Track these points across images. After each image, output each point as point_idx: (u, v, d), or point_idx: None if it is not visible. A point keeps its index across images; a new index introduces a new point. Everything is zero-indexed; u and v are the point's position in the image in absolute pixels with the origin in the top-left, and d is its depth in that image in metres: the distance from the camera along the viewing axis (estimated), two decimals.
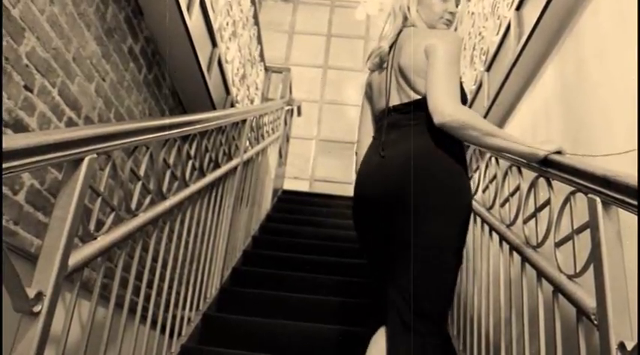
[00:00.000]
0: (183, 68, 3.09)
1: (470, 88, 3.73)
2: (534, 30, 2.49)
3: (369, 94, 1.61)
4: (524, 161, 1.38)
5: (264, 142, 3.59)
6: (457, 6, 1.54)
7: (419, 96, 1.40)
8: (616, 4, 1.96)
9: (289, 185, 5.99)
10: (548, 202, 1.31)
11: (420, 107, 1.38)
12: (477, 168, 2.07)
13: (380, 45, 1.53)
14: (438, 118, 1.28)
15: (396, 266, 1.31)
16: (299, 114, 5.56)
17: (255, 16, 4.72)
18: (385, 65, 1.52)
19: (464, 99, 1.39)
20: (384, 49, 1.52)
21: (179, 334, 1.92)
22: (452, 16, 1.52)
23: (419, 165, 1.31)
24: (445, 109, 1.27)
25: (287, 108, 5.03)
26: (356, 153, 1.61)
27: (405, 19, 1.53)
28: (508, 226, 1.61)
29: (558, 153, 1.26)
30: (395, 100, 1.46)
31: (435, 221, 1.29)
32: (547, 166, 1.28)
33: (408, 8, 1.52)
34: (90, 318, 1.19)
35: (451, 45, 1.37)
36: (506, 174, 1.66)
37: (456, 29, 1.55)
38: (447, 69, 1.33)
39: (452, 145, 1.37)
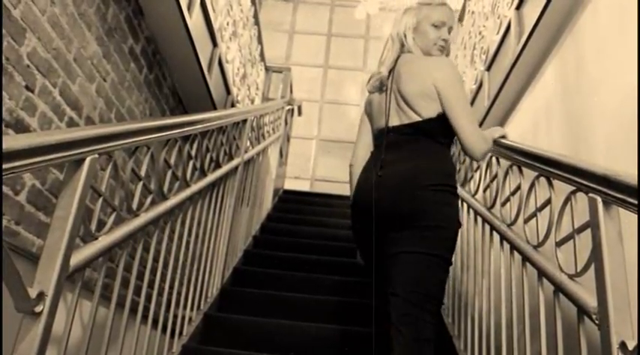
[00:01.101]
0: (184, 68, 3.09)
1: (470, 87, 3.73)
2: (534, 29, 2.49)
3: (368, 111, 1.73)
4: (523, 159, 1.49)
5: (264, 142, 3.58)
6: (449, 33, 1.67)
7: (419, 119, 1.54)
8: (616, 3, 1.96)
9: (290, 185, 6.00)
10: (549, 201, 1.31)
11: (418, 128, 1.53)
12: (478, 167, 2.07)
13: (380, 70, 1.67)
14: (476, 157, 1.52)
15: (395, 271, 1.44)
16: (299, 113, 5.55)
17: (256, 16, 4.72)
18: (385, 88, 1.65)
19: None
20: (383, 75, 1.65)
21: (180, 334, 1.92)
22: (445, 43, 1.66)
23: (416, 183, 1.46)
24: (479, 149, 1.49)
25: (287, 107, 5.03)
26: (351, 165, 1.73)
27: (402, 45, 1.66)
28: (509, 226, 1.61)
29: (503, 137, 1.69)
30: (395, 121, 1.58)
31: (432, 233, 1.42)
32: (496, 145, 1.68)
33: (405, 36, 1.65)
34: (91, 318, 1.19)
35: (454, 74, 1.57)
36: (507, 173, 1.66)
37: (447, 54, 1.71)
38: (463, 105, 1.51)
39: (445, 165, 1.55)
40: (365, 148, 1.71)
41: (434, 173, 1.47)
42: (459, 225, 1.51)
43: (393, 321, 1.39)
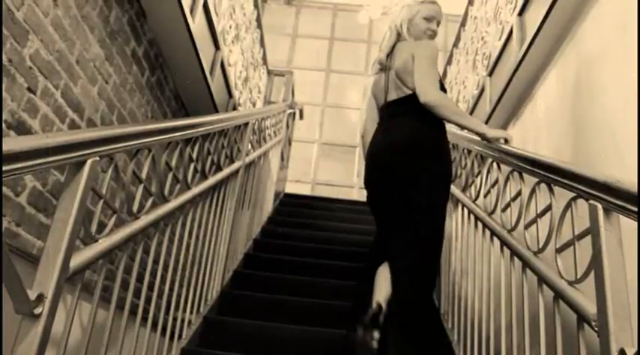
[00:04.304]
0: (186, 71, 3.10)
1: (472, 92, 3.73)
2: (537, 35, 2.49)
3: (373, 91, 2.09)
4: (524, 165, 1.49)
5: (266, 145, 3.59)
6: (438, 26, 2.06)
7: (410, 92, 1.89)
8: (617, 9, 1.96)
9: (291, 188, 5.98)
10: (549, 208, 1.31)
11: (410, 100, 1.87)
12: (479, 172, 2.07)
13: (380, 55, 2.06)
14: (421, 98, 1.79)
15: (400, 215, 1.76)
16: (301, 117, 5.55)
17: (258, 19, 4.73)
18: (384, 68, 2.03)
19: (442, 90, 1.88)
20: (382, 57, 2.05)
21: (179, 337, 1.92)
22: (433, 32, 2.04)
23: (411, 140, 1.83)
24: (427, 92, 1.78)
25: (289, 111, 5.03)
26: (362, 136, 2.12)
27: (399, 34, 2.04)
28: (509, 231, 1.61)
29: (506, 141, 1.76)
30: (392, 96, 1.96)
31: (427, 174, 1.78)
32: (492, 146, 1.78)
33: (401, 26, 2.03)
34: (91, 320, 1.19)
35: (429, 50, 1.89)
36: (507, 179, 1.66)
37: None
38: (427, 65, 1.84)
39: (434, 125, 1.87)
40: (372, 121, 2.06)
41: (425, 130, 1.83)
42: (450, 167, 1.88)
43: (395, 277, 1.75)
